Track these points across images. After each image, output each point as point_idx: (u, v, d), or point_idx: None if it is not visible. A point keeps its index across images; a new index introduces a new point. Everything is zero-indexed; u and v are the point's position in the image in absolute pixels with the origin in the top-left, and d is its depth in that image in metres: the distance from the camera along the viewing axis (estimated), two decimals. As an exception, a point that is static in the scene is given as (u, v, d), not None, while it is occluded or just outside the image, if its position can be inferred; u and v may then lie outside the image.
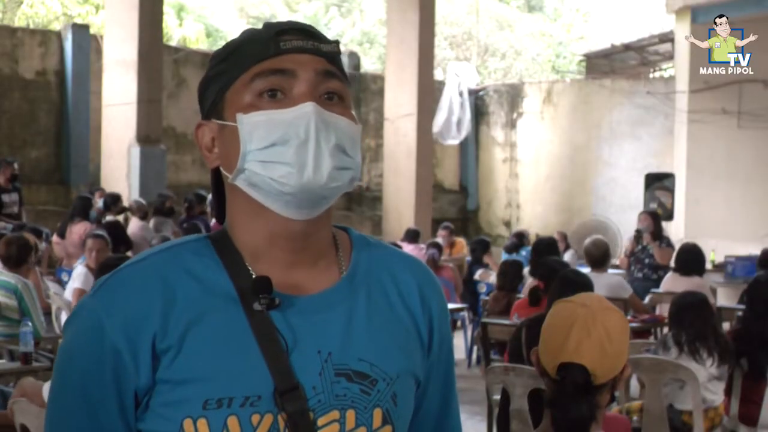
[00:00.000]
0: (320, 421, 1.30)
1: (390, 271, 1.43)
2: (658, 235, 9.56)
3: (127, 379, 1.29)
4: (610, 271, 8.93)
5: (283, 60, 1.33)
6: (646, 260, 9.45)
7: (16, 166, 10.88)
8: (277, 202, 1.32)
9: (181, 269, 1.33)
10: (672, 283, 7.79)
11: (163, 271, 1.33)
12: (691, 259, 7.83)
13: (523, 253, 10.93)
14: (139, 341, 1.28)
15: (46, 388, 3.53)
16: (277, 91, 1.33)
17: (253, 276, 1.33)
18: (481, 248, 10.63)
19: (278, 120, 1.30)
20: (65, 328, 1.36)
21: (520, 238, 12.13)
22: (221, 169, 1.37)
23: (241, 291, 1.32)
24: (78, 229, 9.84)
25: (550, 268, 6.01)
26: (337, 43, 1.39)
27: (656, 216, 9.98)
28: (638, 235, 9.58)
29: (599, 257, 7.88)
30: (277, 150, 1.30)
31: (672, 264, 8.60)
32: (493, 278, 9.47)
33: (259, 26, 1.42)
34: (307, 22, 1.52)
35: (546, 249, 7.84)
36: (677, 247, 8.75)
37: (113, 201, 10.87)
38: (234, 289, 1.33)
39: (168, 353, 1.28)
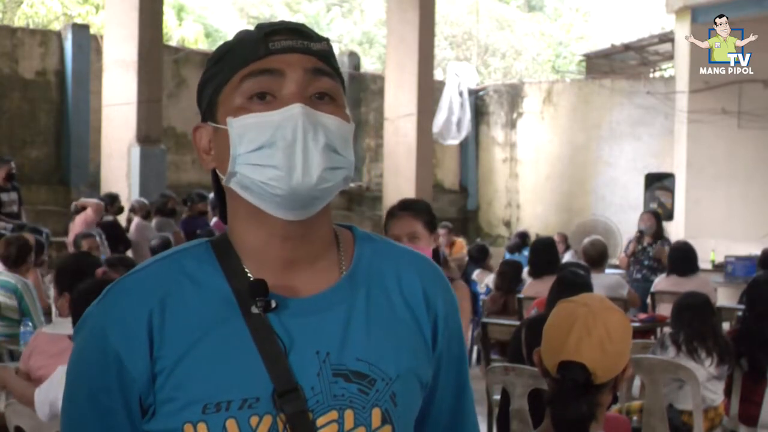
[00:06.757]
0: (319, 422, 1.30)
1: (394, 270, 1.42)
2: (660, 236, 9.57)
3: (131, 385, 1.31)
4: (610, 270, 8.93)
5: (271, 60, 1.33)
6: (646, 261, 9.45)
7: (13, 164, 10.85)
8: (269, 204, 1.32)
9: (181, 276, 1.35)
10: (673, 283, 7.77)
11: (164, 278, 1.34)
12: (683, 258, 7.82)
13: (526, 253, 10.93)
14: (140, 349, 1.31)
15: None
16: (266, 94, 1.33)
17: (251, 279, 1.34)
18: (480, 256, 10.61)
19: (266, 122, 1.31)
20: (75, 335, 1.39)
21: (523, 238, 12.13)
22: (217, 171, 1.39)
23: (238, 295, 1.33)
24: (80, 219, 9.90)
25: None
26: (327, 40, 1.39)
27: (658, 216, 9.98)
28: (640, 236, 9.58)
29: (597, 258, 7.89)
30: (265, 153, 1.30)
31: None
32: (489, 280, 9.46)
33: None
34: (308, 23, 1.52)
35: (544, 249, 7.84)
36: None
37: (111, 201, 10.87)
38: (232, 293, 1.34)
39: (168, 360, 1.30)
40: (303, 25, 1.38)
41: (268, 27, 1.36)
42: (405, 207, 3.96)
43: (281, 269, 1.36)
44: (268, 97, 1.33)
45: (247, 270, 1.35)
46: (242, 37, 1.38)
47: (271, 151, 1.30)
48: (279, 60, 1.34)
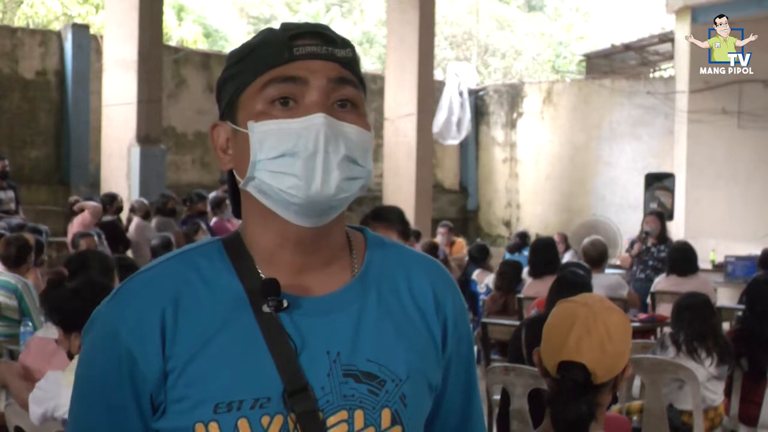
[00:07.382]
0: (329, 421, 1.31)
1: (404, 272, 1.43)
2: (664, 237, 9.56)
3: (143, 383, 1.31)
4: (610, 270, 8.93)
5: (295, 67, 1.33)
6: (650, 262, 9.45)
7: (6, 162, 10.82)
8: (285, 210, 1.33)
9: (192, 275, 1.35)
10: (673, 283, 7.77)
11: (176, 277, 1.35)
12: (683, 258, 7.82)
13: (526, 253, 10.93)
14: (153, 347, 1.31)
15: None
16: (288, 99, 1.33)
17: (263, 278, 1.34)
18: (480, 256, 10.61)
19: (287, 130, 1.31)
20: (84, 335, 1.39)
21: (523, 238, 12.13)
22: (234, 172, 1.39)
23: (250, 294, 1.33)
24: (77, 221, 9.89)
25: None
26: (352, 47, 1.39)
27: (662, 217, 9.97)
28: (645, 237, 9.58)
29: (597, 257, 7.89)
30: (285, 161, 1.30)
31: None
32: (489, 280, 9.46)
33: (260, 27, 1.41)
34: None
35: (544, 249, 7.84)
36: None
37: (110, 201, 10.86)
38: (244, 292, 1.34)
39: (180, 359, 1.30)
40: (328, 28, 1.38)
41: (294, 29, 1.36)
42: (378, 217, 3.96)
43: (293, 271, 1.36)
44: (291, 103, 1.33)
45: (259, 270, 1.36)
46: (266, 37, 1.37)
47: (292, 160, 1.30)
48: (303, 66, 1.33)
